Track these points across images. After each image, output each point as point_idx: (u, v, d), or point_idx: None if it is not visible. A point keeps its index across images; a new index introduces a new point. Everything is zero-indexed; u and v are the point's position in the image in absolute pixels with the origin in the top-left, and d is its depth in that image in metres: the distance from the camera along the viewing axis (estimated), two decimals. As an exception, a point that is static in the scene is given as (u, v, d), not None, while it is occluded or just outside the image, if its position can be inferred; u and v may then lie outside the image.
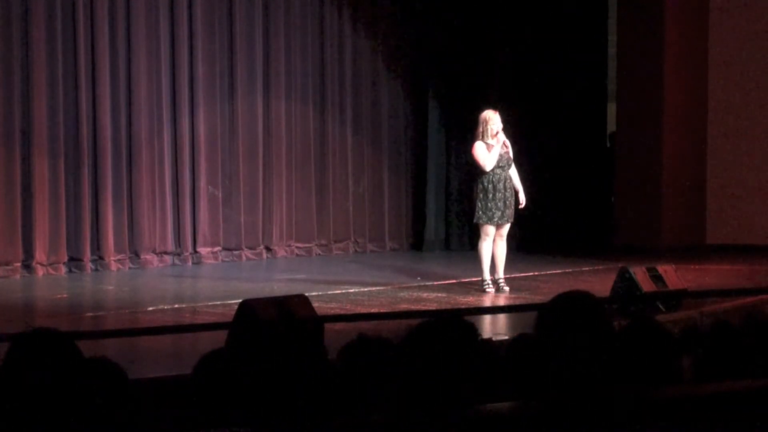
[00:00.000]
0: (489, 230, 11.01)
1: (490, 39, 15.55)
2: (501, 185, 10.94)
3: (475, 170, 11.16)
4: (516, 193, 11.08)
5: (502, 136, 10.92)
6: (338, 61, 15.16)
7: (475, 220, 11.19)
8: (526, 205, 11.20)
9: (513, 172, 11.11)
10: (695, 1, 16.14)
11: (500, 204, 10.93)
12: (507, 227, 11.09)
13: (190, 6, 13.70)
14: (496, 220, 10.95)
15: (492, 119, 10.97)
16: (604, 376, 3.68)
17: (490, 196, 10.93)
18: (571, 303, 3.84)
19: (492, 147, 10.92)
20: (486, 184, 10.96)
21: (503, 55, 15.67)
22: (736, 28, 15.91)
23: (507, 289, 11.06)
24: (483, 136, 10.96)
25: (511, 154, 11.06)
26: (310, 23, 14.87)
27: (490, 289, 11.02)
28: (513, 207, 11.05)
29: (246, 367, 3.70)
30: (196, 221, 13.85)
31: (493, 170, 10.94)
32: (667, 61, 15.83)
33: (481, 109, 11.24)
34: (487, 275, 11.07)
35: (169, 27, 13.56)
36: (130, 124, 13.22)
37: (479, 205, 11.00)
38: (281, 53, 14.50)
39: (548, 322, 3.79)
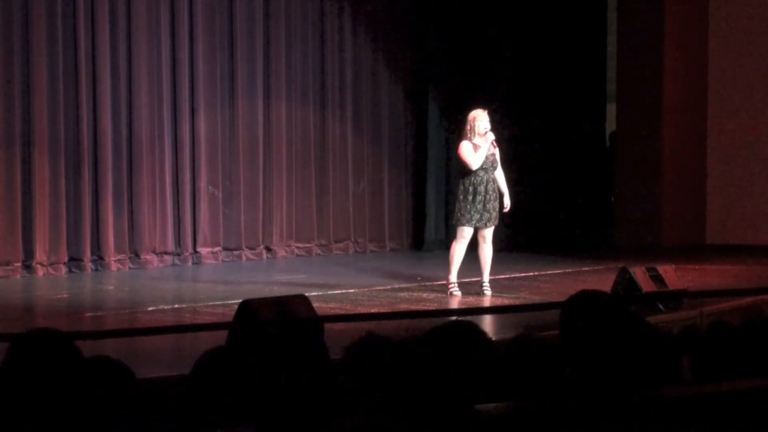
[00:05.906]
0: (465, 232, 10.74)
1: (489, 39, 15.55)
2: (482, 188, 10.67)
3: (460, 170, 10.93)
4: (501, 195, 10.84)
5: (491, 136, 10.66)
6: (338, 62, 15.16)
7: (453, 221, 11.06)
8: (512, 208, 10.96)
9: (499, 174, 10.86)
10: (695, 0, 16.15)
11: (480, 207, 10.67)
12: (490, 230, 10.79)
13: (190, 7, 13.70)
14: (474, 222, 10.70)
15: (480, 118, 10.69)
16: (626, 375, 3.68)
17: (470, 198, 10.67)
18: (596, 301, 3.83)
19: (479, 147, 10.68)
20: (467, 185, 10.70)
21: (503, 55, 15.66)
22: (736, 28, 15.91)
23: (489, 293, 10.79)
24: (470, 135, 10.71)
25: (497, 156, 10.80)
26: (311, 24, 14.87)
27: (457, 293, 10.81)
28: (496, 210, 10.79)
29: (246, 367, 3.70)
30: (196, 221, 13.85)
31: (476, 172, 10.67)
32: (667, 61, 15.83)
33: (471, 108, 11.04)
34: (454, 277, 10.85)
35: (169, 27, 13.55)
36: (130, 124, 13.22)
37: (458, 206, 10.77)
38: (281, 54, 14.50)
39: (573, 320, 3.77)
